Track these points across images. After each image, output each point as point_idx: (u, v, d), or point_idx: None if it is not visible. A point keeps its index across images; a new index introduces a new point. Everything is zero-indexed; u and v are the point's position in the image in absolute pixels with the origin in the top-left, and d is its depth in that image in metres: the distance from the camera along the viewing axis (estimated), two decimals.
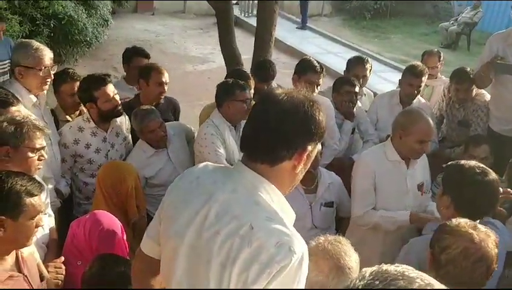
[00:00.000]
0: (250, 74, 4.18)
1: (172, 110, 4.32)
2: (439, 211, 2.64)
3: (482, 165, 2.48)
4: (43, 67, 3.22)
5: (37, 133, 2.48)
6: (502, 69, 3.96)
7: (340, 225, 3.63)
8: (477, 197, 2.38)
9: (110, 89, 3.44)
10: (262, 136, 1.51)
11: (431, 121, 3.13)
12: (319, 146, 1.60)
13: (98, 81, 3.42)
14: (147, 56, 4.53)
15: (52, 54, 3.34)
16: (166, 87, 4.04)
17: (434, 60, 5.16)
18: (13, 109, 2.78)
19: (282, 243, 1.38)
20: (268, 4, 5.95)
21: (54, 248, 2.74)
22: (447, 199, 2.46)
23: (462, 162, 2.53)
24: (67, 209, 3.47)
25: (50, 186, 3.15)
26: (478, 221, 2.39)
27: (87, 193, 3.55)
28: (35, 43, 3.30)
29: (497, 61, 3.96)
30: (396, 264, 1.00)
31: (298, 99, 1.52)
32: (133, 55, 4.51)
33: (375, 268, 0.99)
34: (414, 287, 0.92)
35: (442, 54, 5.32)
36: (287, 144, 1.49)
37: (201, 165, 1.70)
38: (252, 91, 3.99)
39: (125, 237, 2.64)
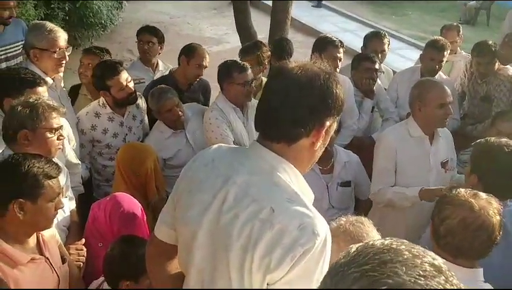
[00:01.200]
0: (265, 45, 4.14)
1: (203, 91, 4.32)
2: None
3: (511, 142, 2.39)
4: (58, 49, 3.20)
5: (53, 113, 2.48)
6: None
7: (360, 205, 3.59)
8: (506, 177, 2.30)
9: (123, 77, 3.40)
10: (277, 115, 1.43)
11: (444, 85, 3.09)
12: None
13: (110, 70, 3.38)
14: (154, 33, 4.51)
15: (66, 35, 3.32)
16: (204, 71, 4.08)
17: (453, 35, 5.05)
18: (40, 89, 2.79)
19: (305, 226, 1.33)
20: None
21: (75, 230, 2.75)
22: (475, 178, 2.39)
23: (492, 139, 2.44)
24: (87, 192, 3.47)
25: (77, 171, 3.16)
26: (508, 201, 2.34)
27: (107, 175, 3.57)
28: (50, 25, 3.29)
29: None
30: (386, 238, 0.93)
31: (313, 72, 1.43)
32: (141, 31, 4.56)
33: (362, 244, 0.93)
34: (400, 259, 0.85)
35: (461, 29, 5.20)
36: (304, 121, 1.41)
37: (215, 146, 1.64)
38: (266, 63, 3.94)
39: (145, 219, 2.64)
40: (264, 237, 1.34)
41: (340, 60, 3.83)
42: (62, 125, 2.59)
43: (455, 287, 0.83)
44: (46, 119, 2.46)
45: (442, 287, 0.81)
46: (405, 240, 0.92)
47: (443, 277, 0.83)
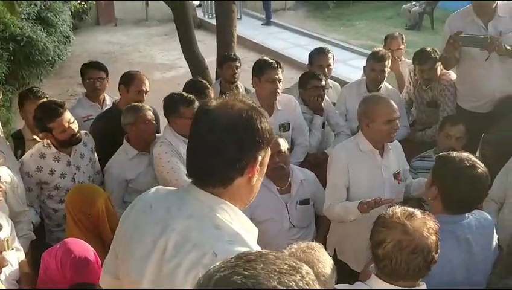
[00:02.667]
0: (207, 84, 4.09)
1: None
2: (427, 202, 2.57)
3: (473, 157, 2.40)
4: None
5: None
6: (466, 42, 3.93)
7: (320, 222, 3.60)
8: (464, 190, 2.31)
9: (65, 119, 3.31)
10: (205, 162, 1.41)
11: (391, 100, 3.12)
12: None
13: (51, 112, 3.29)
14: (100, 67, 4.46)
15: None
16: (145, 96, 4.05)
17: (397, 43, 5.19)
18: None
19: None
20: (225, 4, 5.93)
21: (26, 281, 2.66)
22: (435, 190, 2.39)
23: (454, 153, 2.44)
24: (40, 238, 3.35)
25: (25, 219, 3.07)
26: (467, 213, 2.36)
27: (57, 219, 3.46)
28: None
29: (460, 35, 3.93)
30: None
31: (234, 111, 1.40)
32: (86, 69, 4.47)
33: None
34: (262, 259, 0.96)
35: (403, 36, 5.34)
36: (234, 164, 1.40)
37: (153, 190, 1.60)
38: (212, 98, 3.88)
39: (99, 262, 2.56)
40: None
41: (279, 82, 3.82)
42: (0, 177, 2.50)
43: (309, 286, 0.95)
44: None
45: (294, 284, 0.93)
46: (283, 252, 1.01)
47: (299, 276, 0.95)
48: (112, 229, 3.05)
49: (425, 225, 1.88)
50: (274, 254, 0.99)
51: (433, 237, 1.86)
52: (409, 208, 1.95)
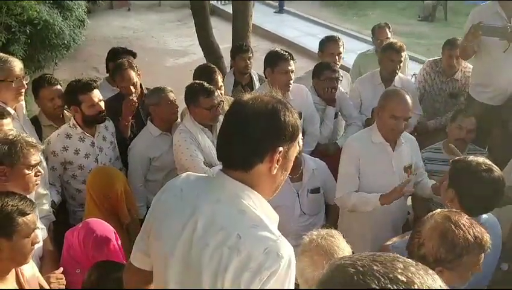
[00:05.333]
0: (215, 68, 4.09)
1: None
2: (444, 204, 2.61)
3: (488, 161, 2.49)
4: (15, 78, 3.21)
5: (31, 150, 2.50)
6: (487, 32, 3.97)
7: (329, 210, 3.69)
8: (482, 193, 2.40)
9: (96, 94, 3.47)
10: (231, 144, 1.54)
11: (407, 100, 3.11)
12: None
13: (84, 86, 3.45)
14: (134, 55, 4.58)
15: (22, 64, 3.34)
16: (134, 87, 3.98)
17: (385, 32, 5.26)
18: (5, 121, 2.81)
19: (269, 250, 1.43)
20: None
21: (49, 259, 2.77)
22: (452, 193, 2.48)
23: (470, 157, 2.53)
24: (62, 218, 3.47)
25: (46, 201, 3.17)
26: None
27: (81, 200, 3.55)
28: (4, 56, 3.29)
29: (481, 24, 3.96)
30: None
31: (262, 102, 1.53)
32: (120, 55, 4.53)
33: None
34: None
35: (390, 26, 5.42)
36: (254, 148, 1.51)
37: (184, 175, 1.72)
38: (221, 84, 3.96)
39: (119, 242, 2.69)
40: (232, 262, 1.43)
41: (292, 72, 3.90)
42: (40, 162, 2.61)
43: None
44: (24, 156, 2.48)
45: None
46: None
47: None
48: (129, 210, 3.19)
49: (435, 230, 1.96)
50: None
51: (436, 241, 1.93)
52: (465, 217, 2.02)
